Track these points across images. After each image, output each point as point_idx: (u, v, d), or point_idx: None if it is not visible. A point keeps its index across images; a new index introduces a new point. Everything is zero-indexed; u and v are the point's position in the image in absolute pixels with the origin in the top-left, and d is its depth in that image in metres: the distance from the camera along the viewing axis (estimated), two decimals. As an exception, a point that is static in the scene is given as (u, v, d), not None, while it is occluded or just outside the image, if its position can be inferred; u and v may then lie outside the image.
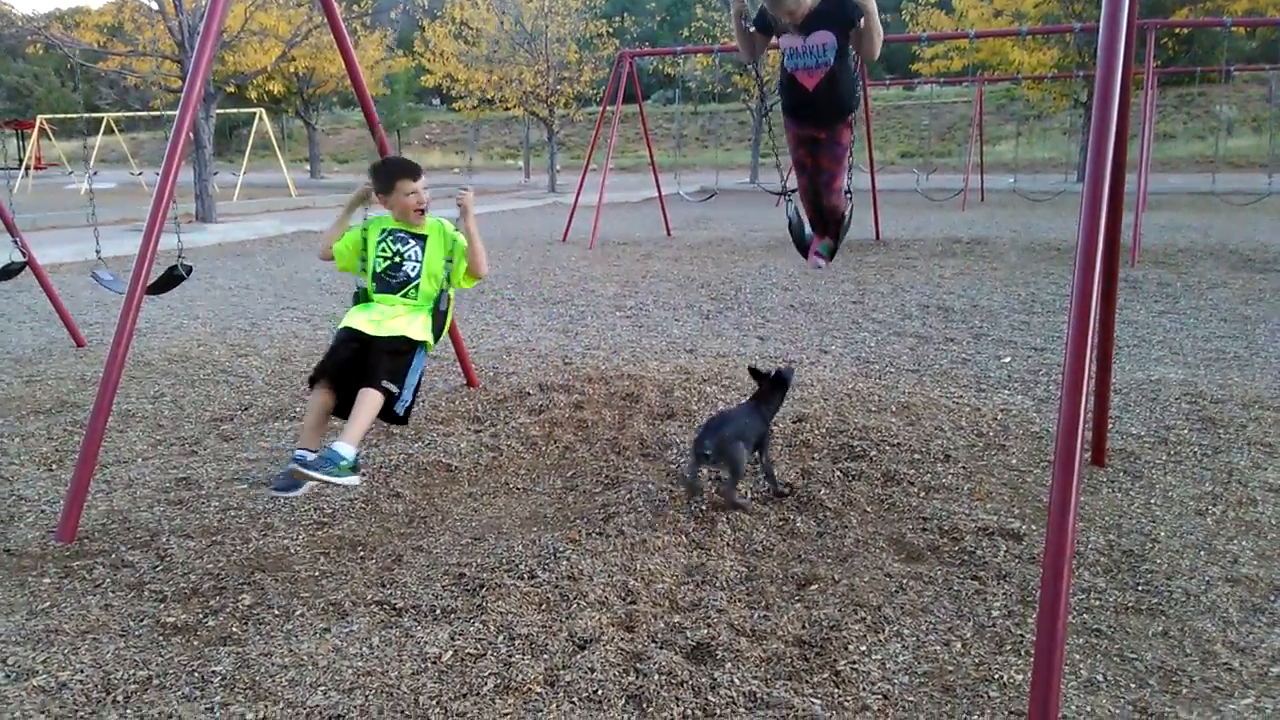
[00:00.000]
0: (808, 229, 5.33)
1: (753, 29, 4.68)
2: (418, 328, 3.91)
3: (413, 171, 3.99)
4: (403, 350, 3.84)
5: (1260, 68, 23.88)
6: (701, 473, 4.34)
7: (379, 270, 4.01)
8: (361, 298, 4.10)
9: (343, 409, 3.84)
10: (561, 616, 3.28)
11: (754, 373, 4.58)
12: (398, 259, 3.98)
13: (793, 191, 5.30)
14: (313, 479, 3.62)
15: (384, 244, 4.02)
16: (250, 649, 3.10)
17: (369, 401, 3.72)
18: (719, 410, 5.02)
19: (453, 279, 4.09)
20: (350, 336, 3.82)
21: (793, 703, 2.78)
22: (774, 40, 4.75)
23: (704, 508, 4.25)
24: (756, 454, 4.38)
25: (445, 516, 4.32)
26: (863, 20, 4.34)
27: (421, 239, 4.03)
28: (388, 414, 3.90)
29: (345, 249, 4.10)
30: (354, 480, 3.75)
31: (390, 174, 3.99)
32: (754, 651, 3.06)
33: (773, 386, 4.52)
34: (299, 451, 3.73)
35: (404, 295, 4.00)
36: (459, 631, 3.18)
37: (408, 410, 3.91)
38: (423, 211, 4.06)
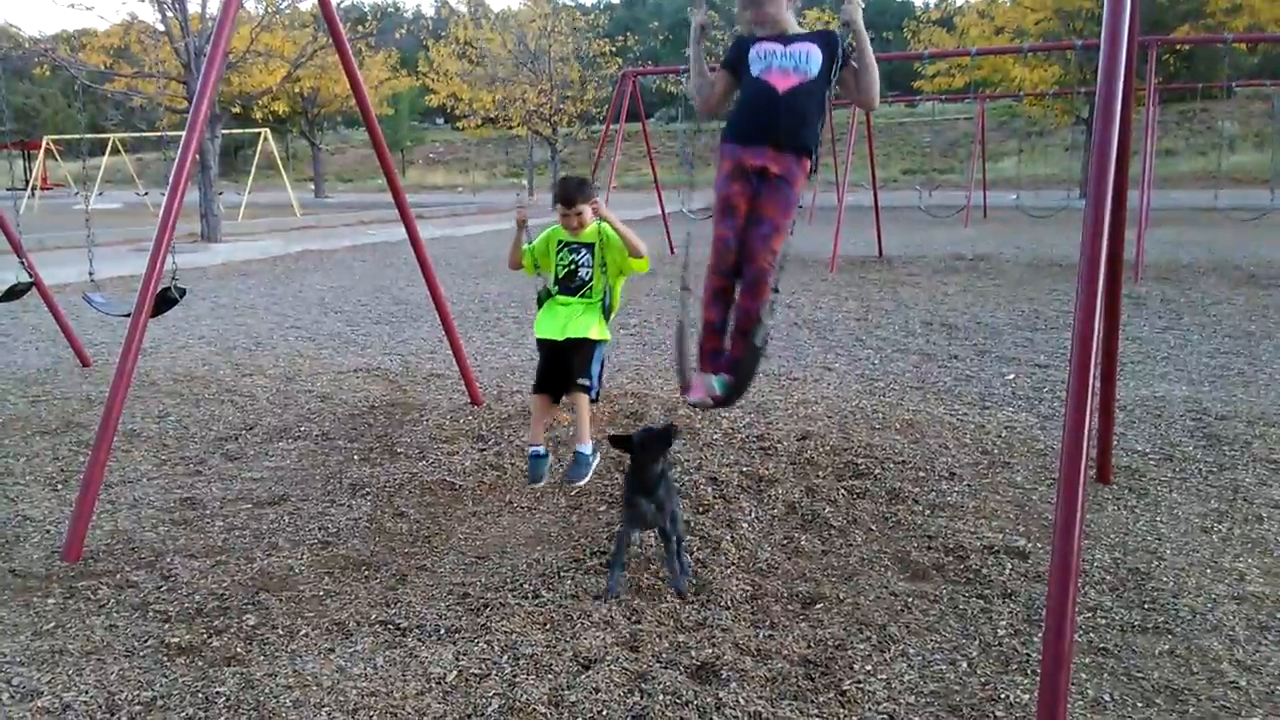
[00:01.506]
0: (691, 358, 3.82)
1: (716, 71, 3.82)
2: (595, 329, 4.43)
3: (565, 198, 4.41)
4: (584, 350, 4.39)
5: (1262, 83, 23.92)
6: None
7: (560, 276, 4.53)
8: (544, 297, 4.61)
9: (553, 402, 4.60)
10: (566, 636, 3.27)
11: (614, 441, 3.96)
12: (573, 266, 4.49)
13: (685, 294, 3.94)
14: (581, 483, 4.45)
15: (561, 254, 4.52)
16: (254, 669, 3.10)
17: (581, 403, 4.40)
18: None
19: (622, 266, 4.47)
20: (546, 348, 4.45)
21: (798, 723, 2.77)
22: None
23: (706, 526, 4.24)
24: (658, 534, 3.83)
25: (449, 536, 4.32)
26: (852, 43, 3.63)
27: (589, 246, 4.48)
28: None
29: (540, 255, 4.63)
30: (596, 461, 4.51)
31: (555, 196, 4.48)
32: (759, 671, 3.05)
33: (641, 451, 3.76)
34: (533, 447, 4.50)
35: (581, 295, 4.51)
36: (463, 651, 3.18)
37: (598, 394, 4.52)
38: (577, 227, 4.46)
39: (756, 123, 3.61)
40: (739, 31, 3.81)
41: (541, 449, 4.53)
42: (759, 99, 3.61)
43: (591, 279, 4.52)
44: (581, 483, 4.49)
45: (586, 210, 4.41)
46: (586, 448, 4.48)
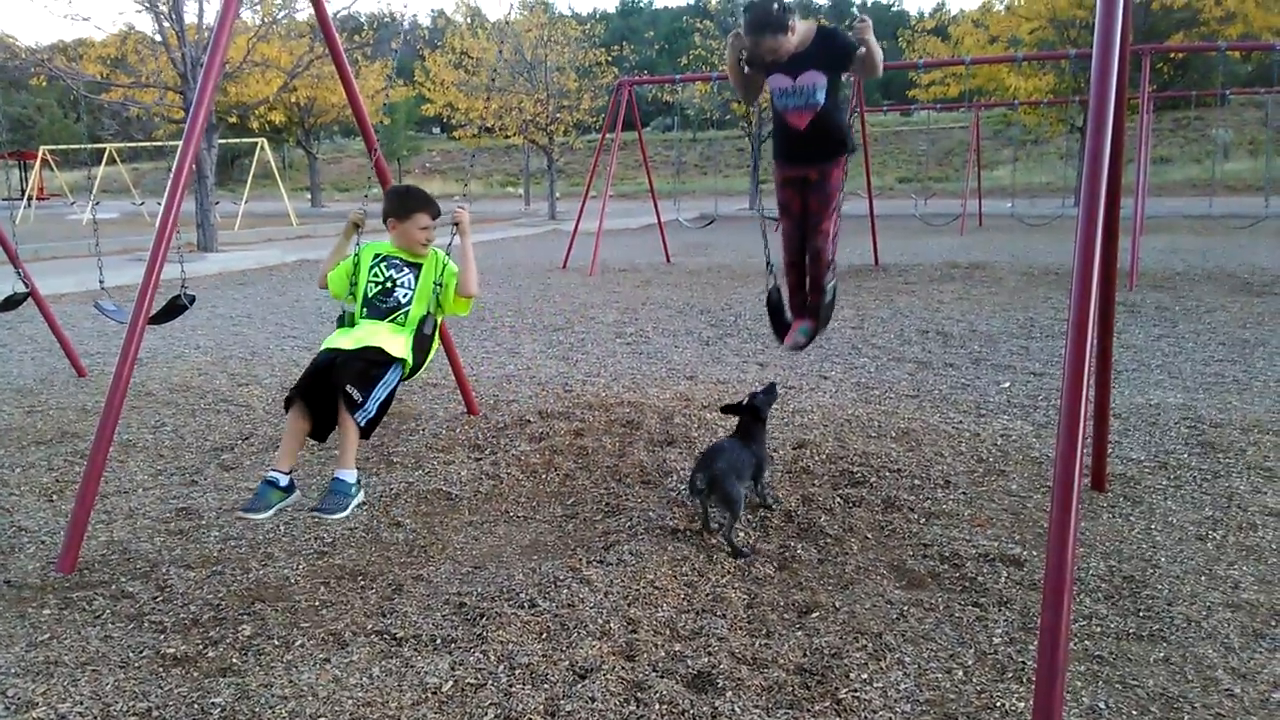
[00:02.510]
0: (788, 312, 4.95)
1: (747, 69, 4.59)
2: (397, 345, 3.86)
3: (433, 209, 4.04)
4: (375, 361, 3.77)
5: (1256, 91, 24.05)
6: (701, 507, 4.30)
7: (370, 295, 4.00)
8: (346, 322, 4.06)
9: (315, 428, 3.85)
10: (562, 646, 3.27)
11: (727, 409, 4.55)
12: (389, 284, 3.99)
13: (771, 274, 4.95)
14: (335, 517, 3.71)
15: (376, 269, 4.03)
16: (250, 680, 3.09)
17: (349, 423, 3.71)
18: (714, 442, 4.68)
19: (443, 304, 4.09)
20: (327, 356, 3.79)
21: (794, 731, 2.77)
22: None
23: (705, 535, 4.24)
24: (753, 484, 4.34)
25: (445, 545, 4.31)
26: (862, 50, 4.29)
27: (416, 266, 4.05)
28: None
29: (338, 275, 4.12)
30: (355, 506, 3.79)
31: (412, 205, 4.02)
32: (755, 680, 3.05)
33: (751, 417, 4.43)
34: (272, 472, 3.73)
35: (392, 320, 3.99)
36: (459, 661, 3.17)
37: (370, 423, 3.76)
38: (428, 245, 4.11)
39: (790, 152, 4.63)
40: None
41: (284, 477, 3.73)
42: (787, 133, 4.56)
43: (409, 304, 3.97)
44: (336, 517, 3.72)
45: (434, 232, 3.97)
46: (348, 475, 3.73)
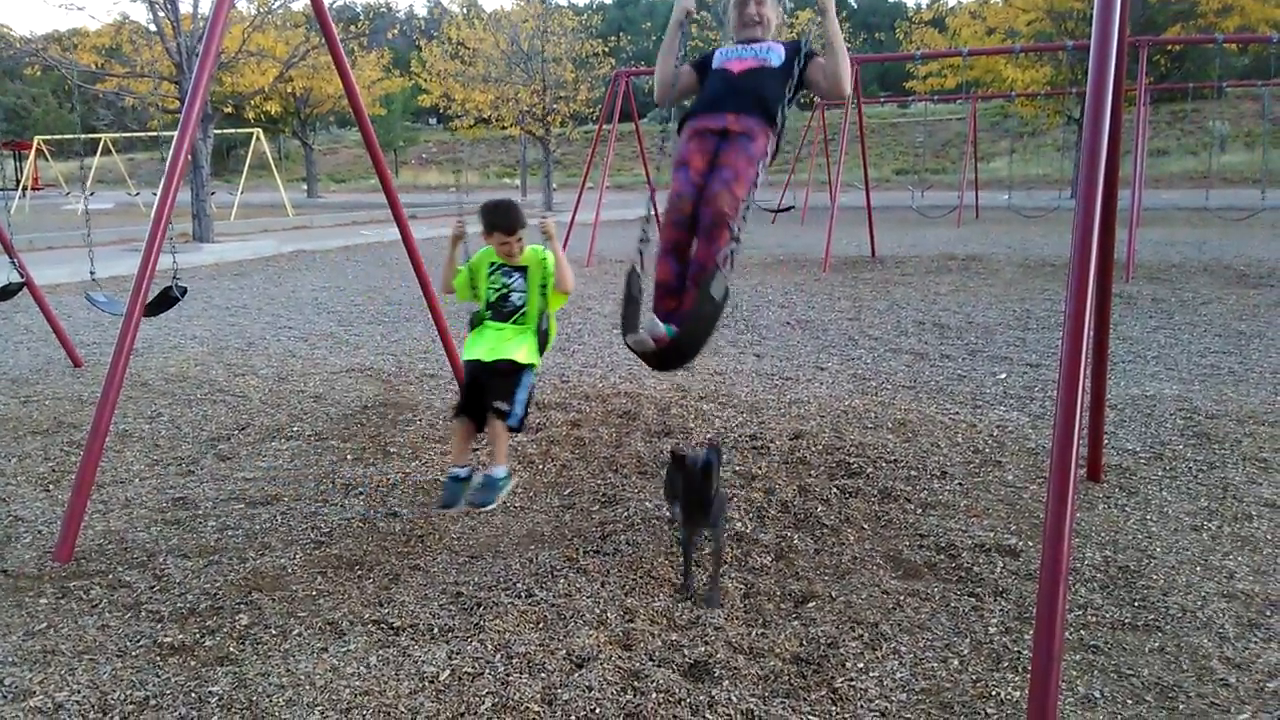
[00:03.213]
0: (646, 310, 3.65)
1: (685, 67, 3.88)
2: (524, 352, 4.21)
3: (509, 228, 4.21)
4: (510, 373, 4.16)
5: (1253, 83, 24.01)
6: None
7: (491, 300, 4.33)
8: (476, 322, 4.40)
9: (477, 429, 4.29)
10: (559, 635, 3.28)
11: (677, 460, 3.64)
12: (505, 290, 4.29)
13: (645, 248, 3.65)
14: (487, 509, 4.17)
15: (493, 277, 4.33)
16: (247, 669, 3.10)
17: (499, 428, 4.14)
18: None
19: (549, 301, 4.35)
20: (472, 369, 4.24)
21: (790, 720, 2.78)
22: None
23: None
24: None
25: (442, 535, 4.32)
26: (818, 35, 3.62)
27: (523, 270, 4.30)
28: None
29: (461, 284, 4.41)
30: (503, 495, 4.19)
31: (489, 224, 4.24)
32: (751, 669, 3.06)
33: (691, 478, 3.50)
34: (454, 469, 4.21)
35: (514, 321, 4.31)
36: (456, 650, 3.18)
37: (520, 422, 4.22)
38: (517, 255, 4.30)
39: (712, 99, 3.64)
40: (727, 37, 3.86)
41: (464, 471, 4.20)
42: (716, 83, 3.65)
43: (525, 305, 4.30)
44: (488, 508, 4.17)
45: (518, 244, 4.22)
46: (500, 471, 4.16)
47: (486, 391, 4.13)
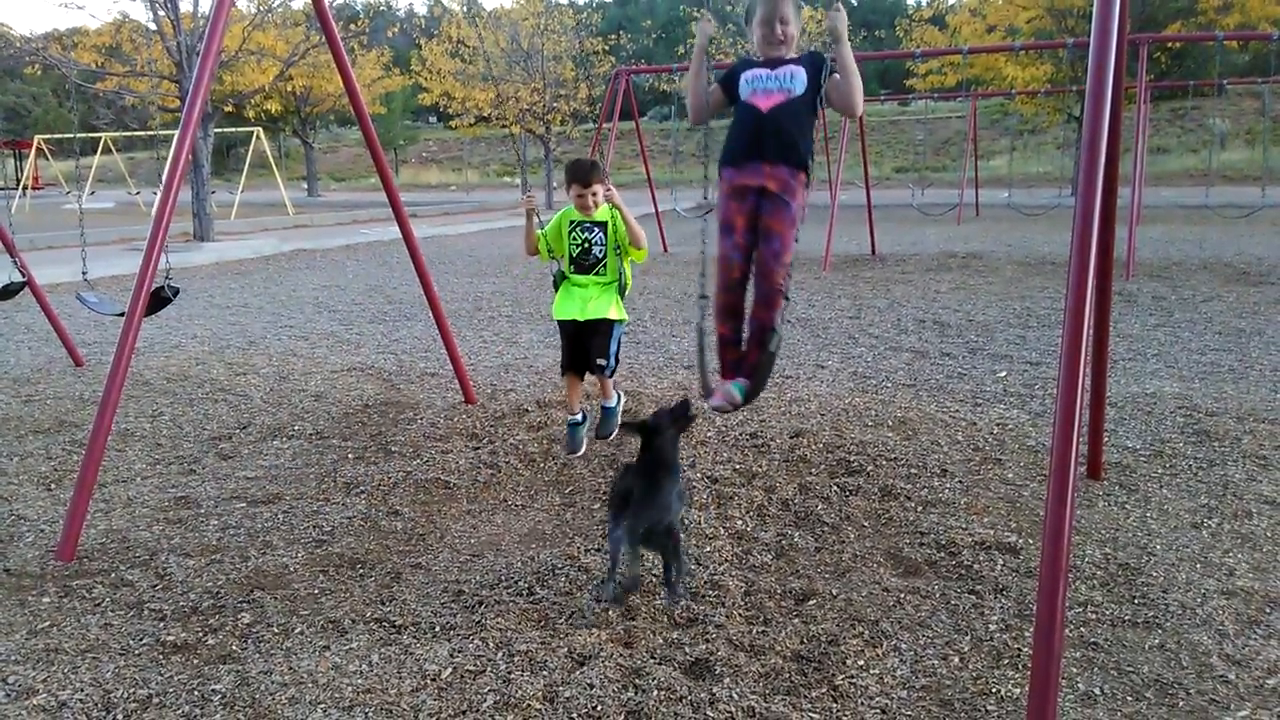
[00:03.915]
0: (714, 365, 3.95)
1: (714, 84, 3.93)
2: (613, 309, 4.73)
3: (582, 178, 4.63)
4: (603, 330, 4.73)
5: (1253, 81, 24.03)
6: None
7: (574, 255, 4.75)
8: (560, 279, 4.86)
9: (581, 377, 5.00)
10: (560, 633, 3.29)
11: (627, 428, 3.89)
12: (586, 245, 4.72)
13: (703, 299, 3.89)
14: (612, 435, 5.10)
15: (574, 234, 4.74)
16: (250, 667, 3.11)
17: (603, 377, 4.86)
18: (623, 474, 3.74)
19: (627, 253, 4.73)
20: (568, 329, 4.80)
21: (791, 718, 2.79)
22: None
23: (700, 523, 4.26)
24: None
25: (444, 534, 4.33)
26: (833, 60, 3.69)
27: (602, 225, 4.69)
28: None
29: (552, 238, 4.83)
30: (623, 401, 5.25)
31: (569, 176, 4.70)
32: (752, 667, 3.07)
33: (651, 437, 3.57)
34: (572, 417, 5.04)
35: (596, 273, 4.76)
36: (458, 648, 3.19)
37: (613, 372, 4.89)
38: (592, 207, 4.67)
39: (745, 143, 3.72)
40: (745, 54, 3.93)
41: (579, 416, 5.03)
42: (746, 120, 3.73)
43: (605, 257, 4.74)
44: (612, 435, 5.08)
45: (600, 190, 4.64)
46: (611, 401, 5.05)
47: (587, 348, 4.76)
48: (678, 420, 3.61)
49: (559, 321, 4.86)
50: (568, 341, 4.89)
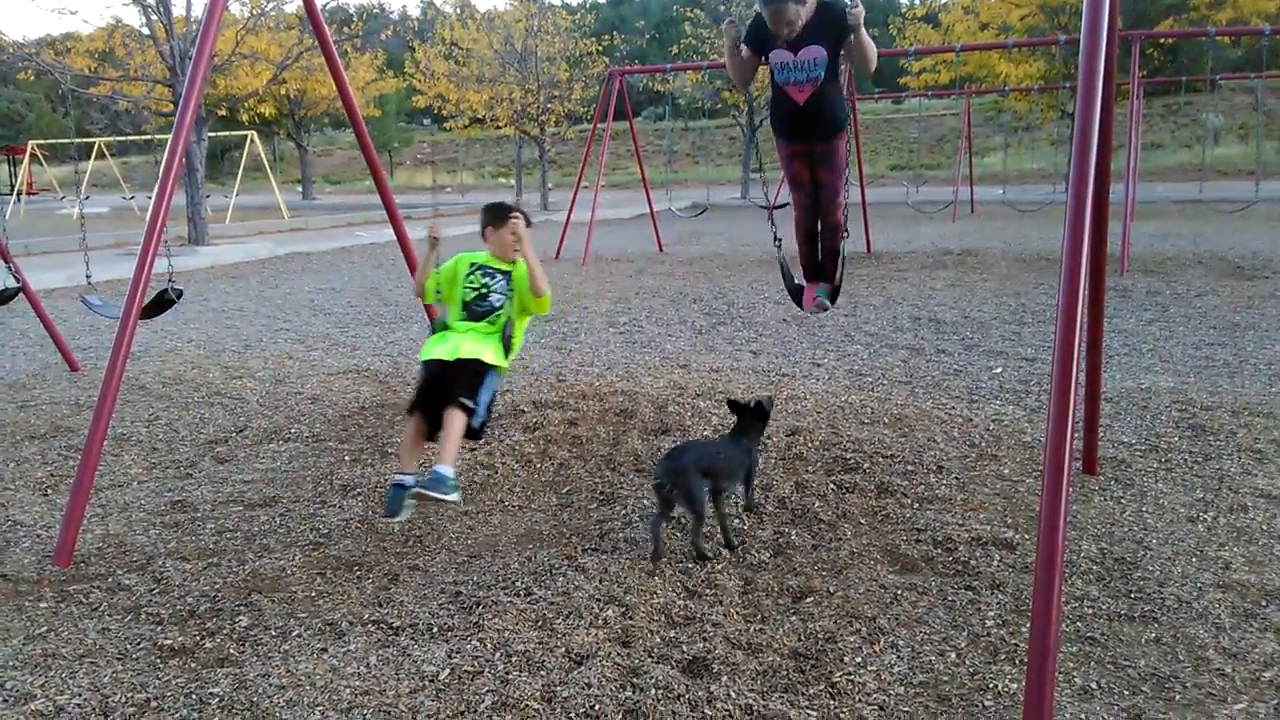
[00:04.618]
0: (797, 277, 5.33)
1: (744, 50, 4.69)
2: (490, 353, 4.24)
3: (501, 217, 4.42)
4: (476, 371, 4.17)
5: (1246, 76, 24.04)
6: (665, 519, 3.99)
7: (467, 300, 4.36)
8: (440, 328, 4.41)
9: (431, 432, 4.18)
10: (558, 633, 3.29)
11: (733, 405, 4.34)
12: (484, 290, 4.36)
13: (777, 240, 5.25)
14: (428, 498, 3.92)
15: (473, 276, 4.40)
16: (248, 670, 3.11)
17: (455, 422, 4.02)
18: (690, 440, 4.57)
19: (525, 305, 4.41)
20: (432, 368, 4.20)
21: (789, 715, 2.80)
22: (764, 60, 4.76)
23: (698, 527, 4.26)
24: (743, 487, 4.23)
25: (441, 535, 4.33)
26: (852, 36, 4.41)
27: (508, 273, 4.40)
28: (466, 430, 4.15)
29: (445, 279, 4.47)
30: (457, 498, 4.03)
31: (482, 223, 4.46)
32: (750, 664, 3.07)
33: (754, 418, 4.27)
34: (398, 476, 4.03)
35: (488, 321, 4.35)
36: (456, 649, 3.19)
37: (482, 425, 4.23)
38: (512, 247, 4.41)
39: (791, 127, 4.78)
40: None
41: (409, 479, 3.98)
42: (787, 106, 4.68)
43: (501, 307, 4.36)
44: (444, 497, 3.91)
45: (518, 225, 4.36)
46: (448, 470, 3.92)
47: (449, 387, 4.03)
48: (766, 414, 4.31)
49: (423, 363, 4.24)
50: (426, 379, 4.19)
